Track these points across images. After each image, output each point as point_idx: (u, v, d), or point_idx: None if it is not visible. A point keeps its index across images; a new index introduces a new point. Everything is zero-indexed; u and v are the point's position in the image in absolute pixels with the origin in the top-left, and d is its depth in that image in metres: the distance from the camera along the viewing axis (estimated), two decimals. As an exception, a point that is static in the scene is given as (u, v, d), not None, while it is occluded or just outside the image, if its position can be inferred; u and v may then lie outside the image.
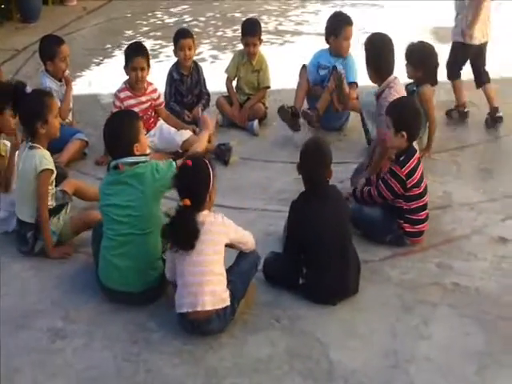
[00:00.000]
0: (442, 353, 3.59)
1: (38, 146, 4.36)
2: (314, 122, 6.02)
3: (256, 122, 6.25)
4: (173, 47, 6.24)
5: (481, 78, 6.27)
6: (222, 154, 5.68)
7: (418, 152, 4.49)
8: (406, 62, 5.57)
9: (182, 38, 6.16)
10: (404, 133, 4.37)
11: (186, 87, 6.27)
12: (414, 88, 5.57)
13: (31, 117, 4.36)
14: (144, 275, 3.91)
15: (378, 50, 5.03)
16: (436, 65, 5.65)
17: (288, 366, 3.52)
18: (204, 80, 6.37)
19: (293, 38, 8.93)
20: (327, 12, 10.08)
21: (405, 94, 5.04)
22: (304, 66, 6.21)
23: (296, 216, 4.00)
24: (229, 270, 3.76)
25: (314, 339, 3.70)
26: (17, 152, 4.57)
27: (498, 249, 4.48)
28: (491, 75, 6.34)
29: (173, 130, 5.81)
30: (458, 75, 6.33)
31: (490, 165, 5.57)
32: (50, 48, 5.77)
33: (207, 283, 3.61)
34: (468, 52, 6.18)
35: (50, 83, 5.74)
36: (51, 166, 4.37)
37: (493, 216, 4.84)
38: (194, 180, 3.62)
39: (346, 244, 4.00)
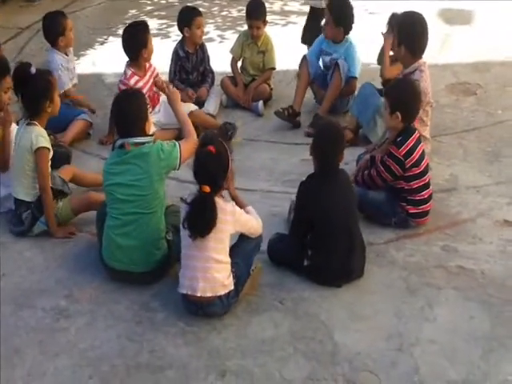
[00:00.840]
0: (447, 336, 3.58)
1: (36, 123, 4.35)
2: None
3: (261, 103, 6.21)
4: (179, 25, 6.17)
5: None
6: (226, 130, 5.62)
7: (416, 131, 4.43)
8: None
9: (199, 15, 6.15)
10: (398, 113, 4.35)
11: (191, 65, 6.24)
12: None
13: (39, 97, 4.36)
14: (147, 255, 3.90)
15: (414, 28, 4.96)
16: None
17: (292, 347, 3.52)
18: (208, 58, 6.33)
19: (297, 19, 8.83)
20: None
21: (429, 81, 4.97)
22: (304, 58, 6.08)
23: (305, 197, 3.97)
24: (231, 251, 3.73)
25: (319, 321, 3.69)
26: (13, 129, 4.55)
27: (503, 232, 4.45)
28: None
29: None
30: None
31: (496, 148, 5.51)
32: (59, 23, 5.73)
33: (209, 270, 3.59)
34: None
35: (60, 60, 5.71)
36: (48, 144, 4.35)
37: (499, 199, 4.81)
38: (216, 167, 3.58)
39: (353, 227, 3.98)
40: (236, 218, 3.65)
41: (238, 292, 3.73)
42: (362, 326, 3.66)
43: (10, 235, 4.44)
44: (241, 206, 3.80)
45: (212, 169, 3.57)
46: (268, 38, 6.42)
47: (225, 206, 3.60)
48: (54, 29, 5.74)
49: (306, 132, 5.72)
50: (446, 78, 6.45)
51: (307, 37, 6.60)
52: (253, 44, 6.38)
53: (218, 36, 8.26)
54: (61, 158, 4.66)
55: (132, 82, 5.50)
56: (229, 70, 6.51)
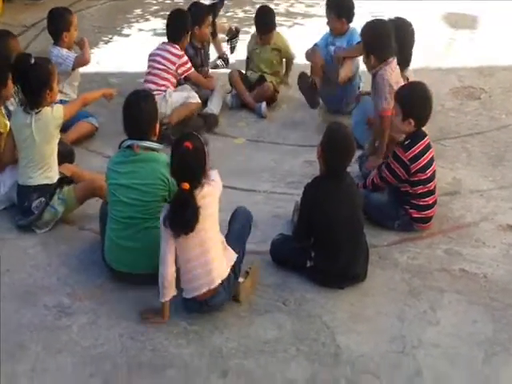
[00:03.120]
0: (450, 339, 3.58)
1: (41, 108, 4.39)
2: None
3: (264, 104, 6.19)
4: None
5: None
6: (205, 119, 5.78)
7: (426, 137, 4.42)
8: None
9: (209, 14, 6.22)
10: (411, 120, 4.33)
11: (200, 59, 6.28)
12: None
13: (40, 85, 4.38)
14: (150, 257, 3.83)
15: (381, 39, 4.97)
16: (411, 45, 5.43)
17: (294, 348, 3.51)
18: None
19: (303, 21, 8.83)
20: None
21: (398, 71, 5.00)
22: (316, 44, 6.10)
23: (310, 200, 3.95)
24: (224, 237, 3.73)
25: (321, 322, 3.69)
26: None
27: (506, 236, 4.45)
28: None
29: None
30: None
31: (500, 152, 5.51)
32: (65, 19, 5.79)
33: (212, 260, 3.59)
34: None
35: (64, 52, 5.74)
36: (61, 106, 4.48)
37: (502, 203, 4.81)
38: (194, 163, 3.51)
39: (358, 230, 3.98)
40: (215, 188, 3.61)
41: (236, 275, 3.72)
42: (364, 328, 3.66)
43: (13, 232, 4.43)
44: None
45: (191, 165, 3.50)
46: (279, 35, 6.47)
47: (204, 191, 3.53)
48: (59, 24, 5.78)
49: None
50: (450, 82, 6.45)
51: None
52: (262, 45, 6.42)
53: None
54: (63, 156, 4.65)
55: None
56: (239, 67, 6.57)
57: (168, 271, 3.54)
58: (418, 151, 4.32)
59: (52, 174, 4.45)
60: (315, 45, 6.10)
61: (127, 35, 8.33)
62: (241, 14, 9.13)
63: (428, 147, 4.39)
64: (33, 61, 4.42)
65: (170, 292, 3.58)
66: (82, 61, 5.81)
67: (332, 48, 5.96)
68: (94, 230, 4.38)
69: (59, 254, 4.23)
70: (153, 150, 3.91)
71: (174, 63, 5.76)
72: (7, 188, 4.60)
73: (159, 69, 5.77)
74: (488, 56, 7.32)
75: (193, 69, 5.90)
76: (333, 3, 5.95)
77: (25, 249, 4.29)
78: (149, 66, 5.86)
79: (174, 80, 5.82)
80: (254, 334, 3.61)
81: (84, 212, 4.59)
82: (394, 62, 4.99)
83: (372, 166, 4.85)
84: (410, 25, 5.43)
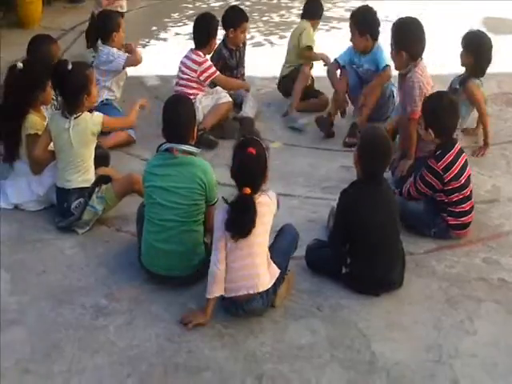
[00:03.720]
0: (488, 349, 3.53)
1: (80, 113, 4.45)
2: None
3: (304, 121, 6.12)
4: (225, 24, 6.20)
5: None
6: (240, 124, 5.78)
7: (457, 143, 4.39)
8: (461, 49, 5.49)
9: (246, 20, 6.24)
10: (430, 130, 4.34)
11: (235, 60, 6.30)
12: (457, 86, 5.50)
13: (78, 90, 4.43)
14: (187, 260, 3.89)
15: (412, 33, 4.97)
16: (489, 57, 5.50)
17: (329, 354, 3.49)
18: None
19: (340, 25, 8.81)
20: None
21: (428, 73, 4.97)
22: (336, 62, 5.93)
23: (347, 204, 3.94)
24: (270, 249, 3.73)
25: (356, 329, 3.67)
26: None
27: (545, 245, 4.38)
28: None
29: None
30: None
31: (540, 160, 5.44)
32: (115, 20, 5.96)
33: (252, 266, 3.60)
34: None
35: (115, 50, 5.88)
36: (101, 115, 4.54)
37: (541, 212, 4.74)
38: (257, 169, 3.57)
39: (395, 236, 3.95)
40: (273, 202, 3.67)
41: (275, 289, 3.72)
42: (400, 336, 3.63)
43: (52, 233, 4.48)
44: None
45: (253, 171, 3.57)
46: (301, 23, 6.49)
47: (262, 199, 3.59)
48: (109, 24, 5.92)
49: (347, 142, 5.63)
50: (489, 88, 6.34)
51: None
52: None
53: (262, 41, 8.31)
54: (99, 159, 4.70)
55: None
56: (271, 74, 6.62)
57: (219, 268, 3.58)
58: (449, 160, 4.28)
59: (89, 177, 4.50)
60: (336, 61, 5.95)
61: (164, 39, 8.40)
62: (277, 19, 9.15)
63: (460, 154, 4.36)
64: (70, 66, 4.46)
65: (217, 289, 3.60)
66: (134, 61, 5.95)
67: (360, 70, 5.85)
68: (131, 231, 4.41)
69: (97, 255, 4.27)
70: (191, 153, 3.93)
71: (195, 71, 5.75)
72: (46, 189, 4.66)
73: (183, 78, 5.82)
74: (528, 62, 7.24)
75: (218, 73, 5.83)
76: (355, 18, 5.73)
77: (62, 250, 4.33)
78: (177, 76, 5.93)
79: (200, 86, 5.83)
80: (288, 339, 3.60)
81: (122, 214, 4.63)
82: (422, 63, 4.98)
83: (403, 169, 4.86)
84: (487, 37, 5.53)
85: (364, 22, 5.68)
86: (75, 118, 4.43)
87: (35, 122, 4.69)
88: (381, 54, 5.75)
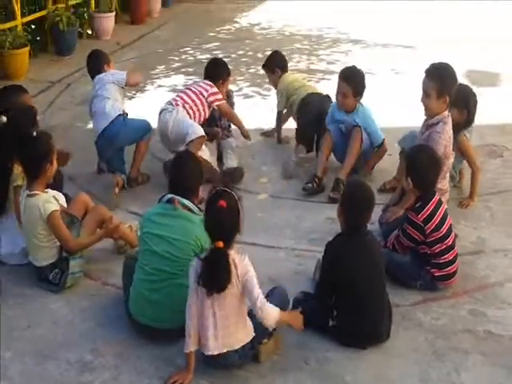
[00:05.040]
0: (475, 402, 3.52)
1: (37, 192, 4.35)
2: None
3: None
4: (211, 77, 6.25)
5: None
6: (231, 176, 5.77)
7: (436, 195, 4.42)
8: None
9: (229, 75, 6.33)
10: (409, 180, 4.40)
11: (219, 112, 6.30)
12: None
13: (41, 159, 4.36)
14: (176, 312, 3.84)
15: (454, 78, 5.05)
16: (476, 108, 5.59)
17: (317, 409, 3.47)
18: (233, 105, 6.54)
19: (325, 77, 8.95)
20: (358, 52, 10.22)
21: (451, 134, 5.01)
22: (328, 130, 6.00)
23: (332, 256, 3.95)
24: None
25: (343, 383, 3.64)
26: None
27: (531, 298, 4.40)
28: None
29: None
30: None
31: (523, 211, 5.50)
32: (105, 55, 6.13)
33: (227, 327, 3.56)
34: None
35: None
36: (56, 205, 4.38)
37: (527, 263, 4.77)
38: (228, 222, 3.52)
39: (381, 289, 3.97)
40: (249, 269, 3.56)
41: (253, 345, 3.68)
42: (388, 389, 3.61)
43: (35, 288, 4.43)
44: None
45: (225, 224, 3.51)
46: (279, 81, 6.65)
47: (239, 260, 3.54)
48: (100, 58, 6.04)
49: (331, 197, 5.62)
50: (472, 140, 6.45)
51: None
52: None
53: (249, 92, 8.42)
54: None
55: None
56: (260, 125, 6.78)
57: (191, 322, 3.55)
58: (429, 211, 4.33)
59: (51, 254, 4.41)
60: (327, 130, 5.98)
61: (150, 91, 8.49)
62: (262, 71, 9.24)
63: (439, 204, 4.40)
64: (34, 134, 4.42)
65: (191, 343, 3.57)
66: (136, 76, 6.08)
67: (342, 126, 5.91)
68: (116, 285, 4.38)
69: (82, 309, 4.24)
70: (190, 210, 3.93)
71: (206, 90, 5.95)
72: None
73: (189, 99, 5.91)
74: (510, 114, 7.37)
75: (225, 101, 6.04)
76: (352, 79, 5.77)
77: (47, 304, 4.29)
78: (177, 95, 6.02)
79: (202, 111, 5.94)
80: (276, 394, 3.57)
81: (107, 267, 4.62)
82: (450, 120, 5.01)
83: (392, 216, 4.85)
84: (472, 91, 5.62)
85: (361, 85, 5.80)
86: (29, 196, 4.34)
87: (20, 173, 4.65)
88: (372, 118, 5.88)
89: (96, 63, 6.00)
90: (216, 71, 6.21)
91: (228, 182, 3.92)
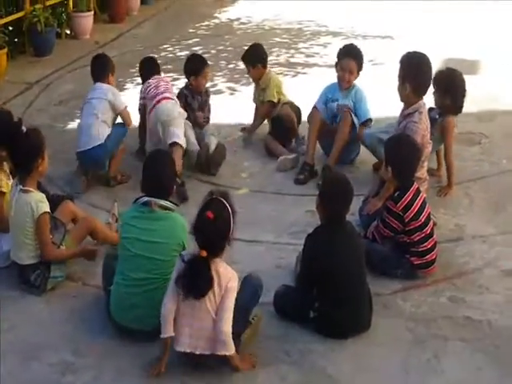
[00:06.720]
0: (455, 388, 3.55)
1: (31, 189, 4.34)
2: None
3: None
4: (186, 73, 6.30)
5: None
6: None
7: (414, 184, 4.46)
8: (433, 90, 5.53)
9: (207, 66, 6.33)
10: (390, 168, 4.43)
11: (197, 102, 6.33)
12: (437, 116, 5.57)
13: (33, 154, 4.35)
14: (154, 317, 3.76)
15: (420, 67, 5.05)
16: (463, 93, 5.61)
17: (299, 401, 3.49)
18: (209, 105, 6.49)
19: (304, 70, 8.96)
20: (337, 44, 10.20)
21: (428, 123, 5.05)
22: (315, 108, 6.09)
23: (312, 250, 3.98)
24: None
25: (325, 374, 3.68)
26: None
27: (510, 282, 4.44)
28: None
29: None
30: None
31: (502, 198, 5.53)
32: (111, 63, 6.18)
33: (205, 329, 3.54)
34: None
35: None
36: (47, 206, 4.37)
37: (505, 249, 4.81)
38: (214, 234, 3.50)
39: (361, 280, 3.99)
40: (234, 280, 3.56)
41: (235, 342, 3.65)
42: (369, 378, 3.64)
43: (16, 290, 4.41)
44: None
45: (209, 235, 3.49)
46: (267, 75, 6.64)
47: (224, 270, 3.54)
48: (107, 65, 6.10)
49: (319, 185, 5.63)
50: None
51: None
52: (257, 84, 6.72)
53: (228, 88, 8.39)
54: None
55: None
56: (240, 121, 6.81)
57: (167, 307, 3.55)
58: (408, 200, 4.36)
59: (35, 254, 4.39)
60: (315, 107, 6.09)
61: (131, 89, 8.46)
62: (242, 66, 9.24)
63: (418, 193, 4.44)
64: (24, 129, 4.42)
65: (167, 329, 3.55)
66: (128, 117, 6.00)
67: (334, 105, 5.99)
68: (97, 285, 4.37)
69: (64, 310, 4.23)
70: (168, 209, 3.93)
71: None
72: (10, 246, 4.62)
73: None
74: (487, 101, 7.42)
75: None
76: (358, 55, 5.97)
77: (28, 306, 4.29)
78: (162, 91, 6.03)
79: None
80: (258, 386, 3.58)
81: (88, 267, 4.60)
82: (426, 109, 5.05)
83: (371, 208, 4.85)
84: (460, 74, 5.65)
85: (363, 60, 6.01)
86: (22, 192, 4.32)
87: (3, 178, 4.65)
88: (365, 98, 5.99)
89: (102, 69, 6.05)
90: (192, 66, 6.27)
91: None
